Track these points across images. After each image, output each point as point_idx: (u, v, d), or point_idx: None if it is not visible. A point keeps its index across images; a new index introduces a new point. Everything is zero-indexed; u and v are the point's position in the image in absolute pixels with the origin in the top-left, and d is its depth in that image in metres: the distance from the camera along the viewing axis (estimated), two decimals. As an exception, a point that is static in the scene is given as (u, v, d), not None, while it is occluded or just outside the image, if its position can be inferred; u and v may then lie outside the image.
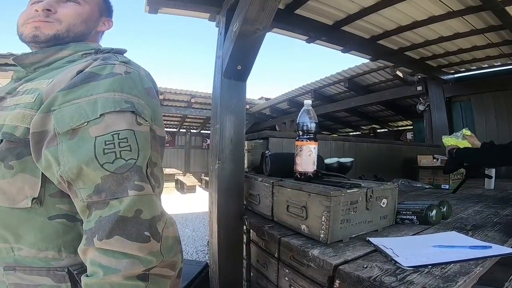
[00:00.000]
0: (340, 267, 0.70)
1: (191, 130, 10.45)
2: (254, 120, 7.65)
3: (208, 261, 2.08)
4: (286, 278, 1.10)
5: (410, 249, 0.77)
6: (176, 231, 0.48)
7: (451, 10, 1.82)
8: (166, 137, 9.97)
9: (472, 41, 2.28)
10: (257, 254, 1.38)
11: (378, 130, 7.40)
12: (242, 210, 1.37)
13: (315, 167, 1.09)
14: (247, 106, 7.12)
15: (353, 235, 0.90)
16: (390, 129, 7.14)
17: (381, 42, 2.30)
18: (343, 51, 2.31)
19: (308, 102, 1.12)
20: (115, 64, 0.50)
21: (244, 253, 1.48)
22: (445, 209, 1.07)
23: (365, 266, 0.69)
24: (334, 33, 2.03)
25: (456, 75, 3.29)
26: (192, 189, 7.68)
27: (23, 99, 0.47)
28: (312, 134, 1.08)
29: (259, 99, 7.47)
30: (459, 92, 3.39)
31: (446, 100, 3.48)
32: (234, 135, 1.33)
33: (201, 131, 10.49)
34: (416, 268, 0.65)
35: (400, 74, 3.52)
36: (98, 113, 0.43)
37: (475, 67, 3.02)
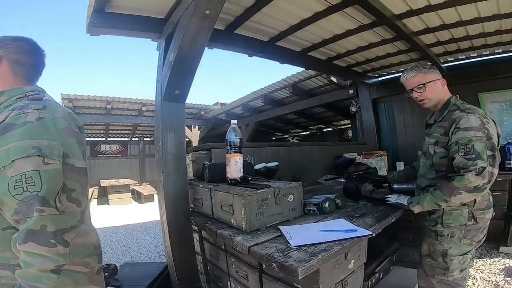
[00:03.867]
0: (251, 247, 0.96)
1: (144, 139, 10.17)
2: (210, 125, 7.78)
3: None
4: (233, 266, 1.34)
5: (303, 233, 1.05)
6: (90, 240, 0.64)
7: (362, 24, 2.17)
8: (118, 147, 9.63)
9: (385, 49, 2.74)
10: (210, 249, 1.60)
11: (324, 130, 8.07)
12: (188, 212, 1.58)
13: (241, 173, 1.35)
14: (202, 112, 7.23)
15: (268, 225, 1.17)
16: (334, 128, 7.86)
17: (311, 53, 2.64)
18: (281, 63, 2.58)
19: (234, 121, 1.38)
20: (28, 112, 0.64)
21: (199, 250, 1.69)
22: (339, 201, 1.41)
23: (267, 246, 0.96)
24: (270, 48, 2.30)
25: (380, 79, 3.83)
26: (150, 198, 7.51)
27: None
28: (237, 148, 1.34)
29: (214, 104, 7.60)
30: (383, 94, 3.92)
31: (373, 101, 4.02)
32: (176, 150, 1.53)
33: (156, 138, 10.27)
34: (299, 247, 0.93)
35: (334, 80, 3.99)
36: (10, 160, 0.59)
37: (394, 71, 3.58)
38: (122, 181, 7.99)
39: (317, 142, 3.15)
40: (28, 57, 0.81)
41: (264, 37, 2.25)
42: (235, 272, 1.34)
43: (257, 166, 1.65)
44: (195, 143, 7.25)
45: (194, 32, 1.31)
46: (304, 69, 3.91)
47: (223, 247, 1.43)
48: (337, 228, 1.09)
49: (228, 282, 1.43)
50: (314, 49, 2.56)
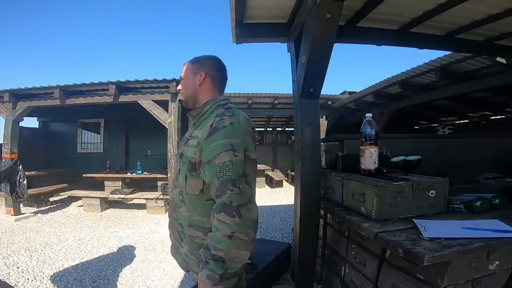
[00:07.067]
0: (379, 233, 1.02)
1: (277, 129, 11.13)
2: (338, 115, 7.63)
3: (291, 243, 2.54)
4: (353, 252, 1.44)
5: (441, 228, 1.00)
6: (253, 215, 0.81)
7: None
8: (258, 137, 10.97)
9: None
10: (332, 234, 1.74)
11: (492, 118, 6.25)
12: (319, 198, 1.75)
13: (376, 165, 1.38)
14: (329, 102, 7.16)
15: (401, 216, 1.17)
16: (509, 115, 5.93)
17: (460, 36, 2.14)
18: (420, 48, 2.24)
19: (369, 115, 1.43)
20: (225, 119, 0.85)
21: (321, 234, 1.85)
22: (497, 201, 1.19)
23: (396, 235, 0.99)
24: (403, 36, 2.05)
25: None
26: (279, 183, 8.29)
27: (193, 142, 0.92)
28: (373, 141, 1.37)
29: (341, 93, 7.39)
30: None
31: None
32: (311, 141, 1.72)
33: (286, 129, 11.03)
34: (431, 239, 0.91)
35: (503, 61, 3.07)
36: (217, 152, 0.81)
37: None
38: (260, 166, 9.15)
39: (480, 134, 2.49)
40: (220, 72, 1.04)
41: (393, 26, 2.00)
42: (353, 258, 1.42)
43: (395, 159, 1.61)
44: (322, 133, 7.32)
45: (320, 35, 1.41)
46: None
47: (346, 234, 1.53)
48: (485, 227, 0.97)
49: (343, 267, 1.52)
50: (463, 31, 2.06)
